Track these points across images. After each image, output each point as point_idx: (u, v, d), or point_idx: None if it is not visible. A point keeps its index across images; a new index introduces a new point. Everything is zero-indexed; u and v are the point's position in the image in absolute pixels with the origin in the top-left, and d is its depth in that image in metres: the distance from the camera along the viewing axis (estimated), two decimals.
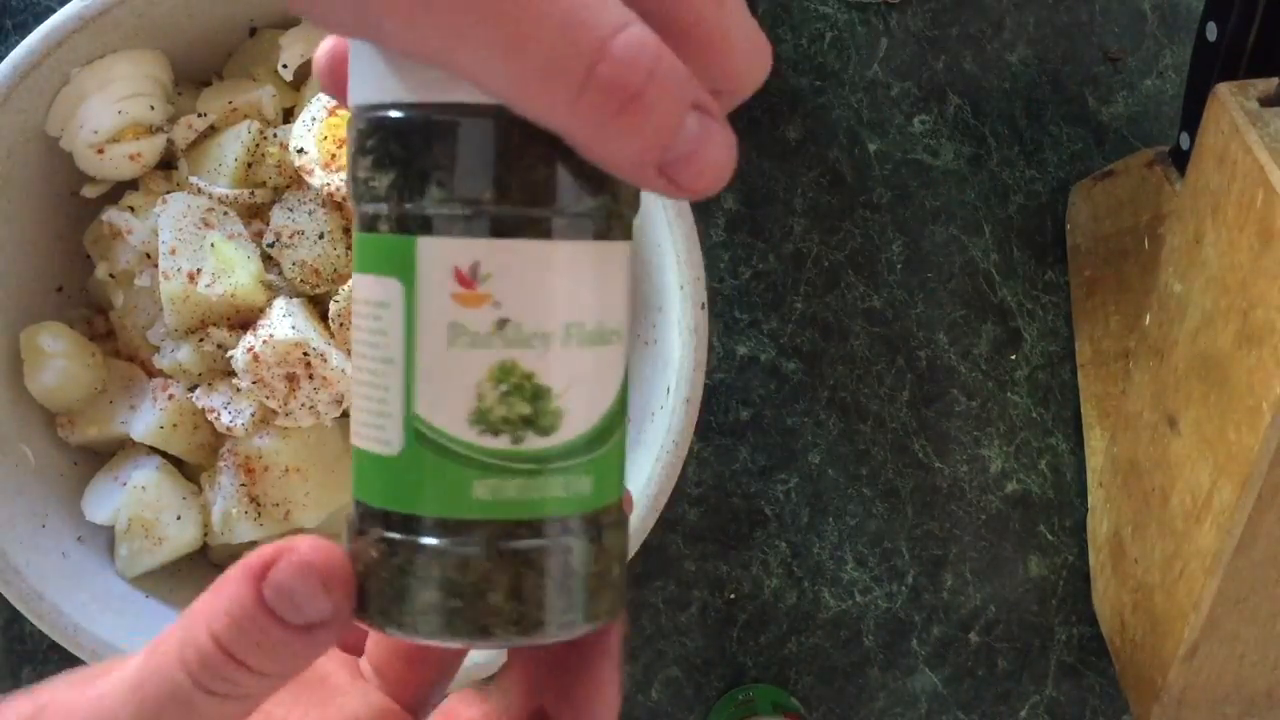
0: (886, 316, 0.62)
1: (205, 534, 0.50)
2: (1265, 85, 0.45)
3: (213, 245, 0.47)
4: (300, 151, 0.46)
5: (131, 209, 0.49)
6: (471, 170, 0.20)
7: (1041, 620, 0.62)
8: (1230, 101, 0.44)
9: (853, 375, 0.61)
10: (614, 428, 0.22)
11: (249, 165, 0.49)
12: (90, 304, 0.53)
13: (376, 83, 0.21)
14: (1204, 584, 0.47)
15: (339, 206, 0.47)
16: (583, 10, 0.18)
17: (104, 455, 0.52)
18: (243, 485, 0.48)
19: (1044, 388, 0.62)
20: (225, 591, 0.20)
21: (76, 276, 0.52)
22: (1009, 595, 0.62)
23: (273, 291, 0.48)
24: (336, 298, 0.46)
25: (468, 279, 0.20)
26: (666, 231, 0.48)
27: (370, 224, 0.22)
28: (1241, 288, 0.44)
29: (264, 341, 0.45)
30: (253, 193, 0.49)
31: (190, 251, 0.47)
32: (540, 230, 0.21)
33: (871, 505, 0.61)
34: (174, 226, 0.47)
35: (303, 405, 0.46)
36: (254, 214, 0.49)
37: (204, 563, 0.52)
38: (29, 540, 0.47)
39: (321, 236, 0.47)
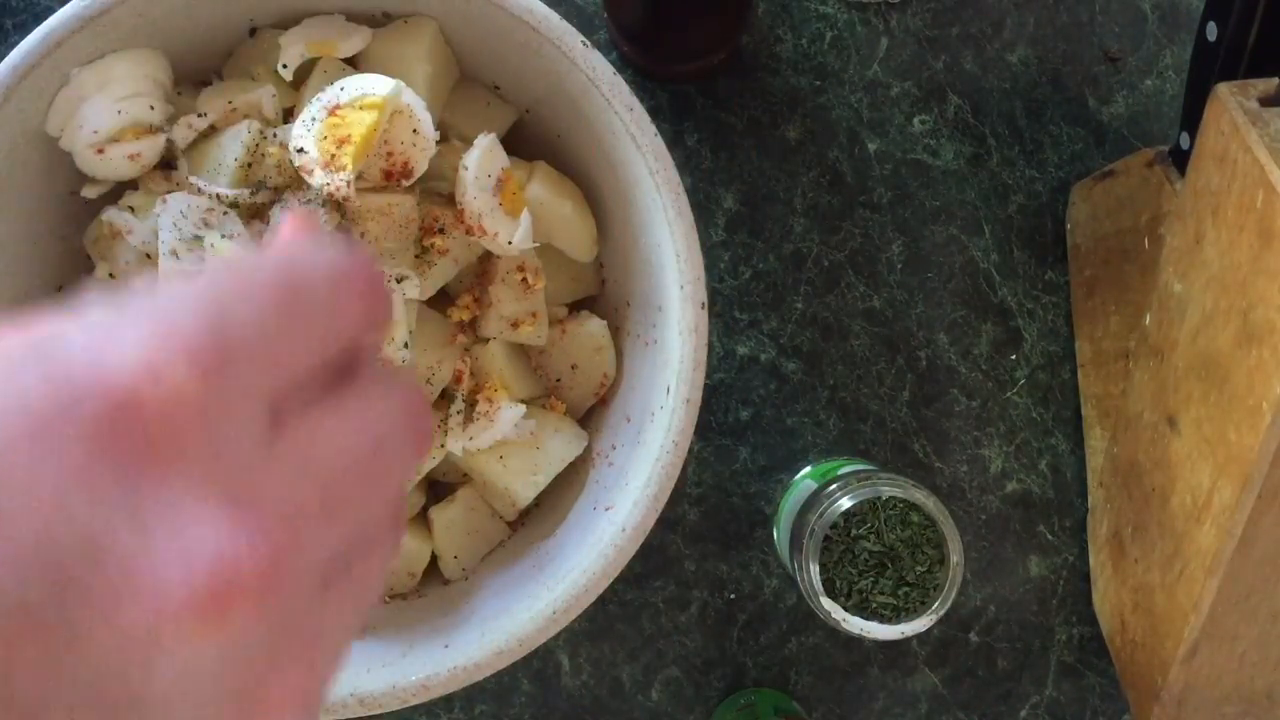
0: (886, 316, 0.62)
1: None
2: (1265, 85, 0.45)
3: (213, 245, 0.47)
4: (300, 151, 0.46)
5: (131, 209, 0.49)
6: None
7: (1041, 620, 0.62)
8: (1230, 101, 0.44)
9: (853, 375, 0.61)
10: None
11: (249, 165, 0.49)
12: None
13: None
14: (1204, 584, 0.47)
15: (339, 206, 0.47)
16: None
17: None
18: None
19: (1044, 388, 0.62)
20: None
21: (76, 276, 0.52)
22: (1009, 595, 0.62)
23: None
24: None
25: None
26: (666, 231, 0.47)
27: None
28: (1241, 288, 0.44)
29: None
30: (253, 193, 0.49)
31: (190, 252, 0.47)
32: None
33: None
34: (174, 226, 0.47)
35: None
36: (254, 214, 0.49)
37: None
38: None
39: None
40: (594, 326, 0.52)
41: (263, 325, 0.20)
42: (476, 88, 0.53)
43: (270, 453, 0.20)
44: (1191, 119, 0.50)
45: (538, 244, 0.51)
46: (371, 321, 0.23)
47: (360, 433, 0.22)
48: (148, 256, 0.49)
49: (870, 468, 0.56)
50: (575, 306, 0.55)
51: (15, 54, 0.46)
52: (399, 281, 0.47)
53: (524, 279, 0.50)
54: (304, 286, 0.21)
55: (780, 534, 0.58)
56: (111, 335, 0.18)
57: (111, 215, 0.49)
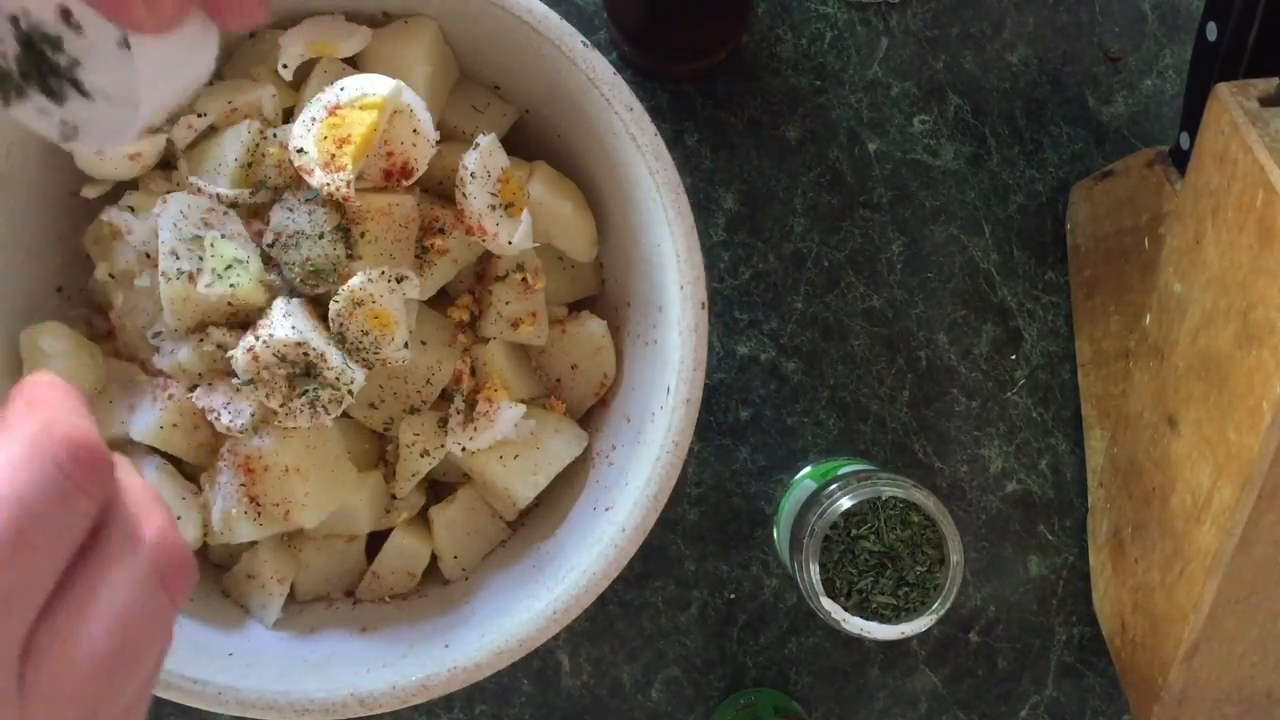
0: (886, 316, 0.62)
1: (205, 534, 0.50)
2: (1265, 85, 0.45)
3: (213, 245, 0.47)
4: (300, 151, 0.46)
5: (131, 209, 0.49)
6: None
7: (1041, 620, 0.62)
8: (1230, 101, 0.44)
9: (853, 375, 0.61)
10: None
11: (249, 165, 0.49)
12: (90, 304, 0.53)
13: None
14: (1204, 584, 0.47)
15: (339, 206, 0.47)
16: None
17: None
18: (242, 485, 0.48)
19: (1044, 388, 0.62)
20: None
21: (76, 276, 0.52)
22: (1009, 595, 0.62)
23: (273, 291, 0.48)
24: (336, 298, 0.46)
25: None
26: (666, 231, 0.47)
27: None
28: (1241, 288, 0.44)
29: (264, 341, 0.45)
30: (253, 193, 0.49)
31: (190, 251, 0.47)
32: None
33: None
34: (174, 226, 0.47)
35: (303, 405, 0.46)
36: (254, 214, 0.49)
37: (204, 563, 0.53)
38: None
39: (321, 236, 0.47)
40: (594, 326, 0.52)
41: (9, 582, 0.21)
42: (476, 88, 0.53)
43: (22, 697, 0.21)
44: (1191, 119, 0.50)
45: (538, 244, 0.51)
46: (102, 492, 0.23)
47: (108, 630, 0.22)
48: (147, 256, 0.49)
49: (870, 468, 0.56)
50: (575, 306, 0.55)
51: None
52: (399, 281, 0.47)
53: (524, 279, 0.51)
54: (34, 516, 0.21)
55: (780, 534, 0.58)
56: None
57: (111, 215, 0.49)
